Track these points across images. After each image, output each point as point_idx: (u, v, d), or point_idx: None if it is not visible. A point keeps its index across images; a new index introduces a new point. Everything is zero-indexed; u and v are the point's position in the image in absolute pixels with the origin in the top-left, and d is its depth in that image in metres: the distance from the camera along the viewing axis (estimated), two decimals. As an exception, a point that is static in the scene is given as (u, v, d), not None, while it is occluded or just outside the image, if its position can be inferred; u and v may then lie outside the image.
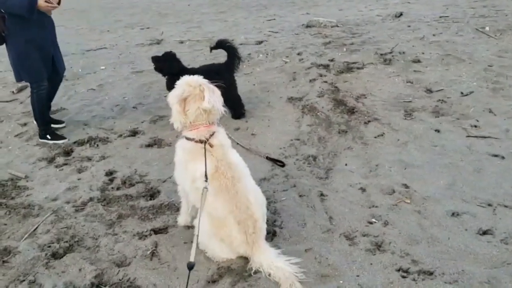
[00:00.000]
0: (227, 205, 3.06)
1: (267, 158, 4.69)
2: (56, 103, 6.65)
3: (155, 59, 5.61)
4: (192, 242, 2.90)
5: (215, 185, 3.05)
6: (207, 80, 3.27)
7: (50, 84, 5.50)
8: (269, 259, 3.06)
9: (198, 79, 3.23)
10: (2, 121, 6.19)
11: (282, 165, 4.56)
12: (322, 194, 3.99)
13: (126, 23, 13.39)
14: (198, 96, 3.14)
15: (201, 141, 3.14)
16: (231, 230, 3.07)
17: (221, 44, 5.62)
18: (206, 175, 3.07)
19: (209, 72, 5.60)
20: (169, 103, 3.32)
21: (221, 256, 3.22)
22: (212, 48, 5.70)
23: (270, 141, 5.12)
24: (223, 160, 3.14)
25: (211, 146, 3.15)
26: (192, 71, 5.58)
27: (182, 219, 3.62)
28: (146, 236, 3.61)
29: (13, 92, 7.24)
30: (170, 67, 5.53)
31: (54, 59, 5.30)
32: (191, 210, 3.46)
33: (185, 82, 3.21)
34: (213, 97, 3.19)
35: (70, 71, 8.24)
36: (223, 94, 5.57)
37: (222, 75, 5.53)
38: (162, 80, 7.12)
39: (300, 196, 4.01)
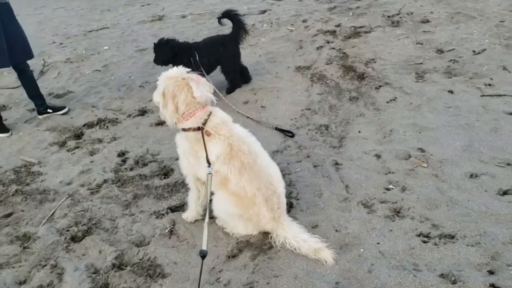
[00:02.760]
0: (254, 183, 3.01)
1: (276, 129, 4.64)
2: (62, 86, 6.64)
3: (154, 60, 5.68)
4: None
5: (236, 163, 3.00)
6: (185, 69, 3.14)
7: (19, 77, 5.54)
8: (293, 233, 3.04)
9: (177, 71, 3.11)
10: (10, 107, 6.17)
11: (292, 135, 4.51)
12: (337, 163, 3.95)
13: (126, 0, 13.18)
14: (182, 86, 3.03)
15: (199, 128, 3.05)
16: (260, 209, 3.03)
17: (228, 14, 5.54)
18: (208, 160, 3.01)
19: (214, 44, 5.56)
20: (155, 102, 3.23)
21: (243, 233, 3.21)
22: (219, 18, 5.59)
23: (281, 112, 5.05)
24: (233, 136, 3.08)
25: (207, 134, 3.06)
26: (198, 45, 5.54)
27: (192, 214, 3.47)
28: (163, 214, 3.61)
29: (17, 78, 7.17)
30: (163, 55, 5.50)
31: (9, 51, 5.06)
32: (202, 200, 3.38)
33: (165, 77, 3.10)
34: (199, 86, 3.09)
35: (73, 53, 8.20)
36: (229, 65, 5.58)
37: (227, 46, 5.47)
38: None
39: (315, 166, 3.97)
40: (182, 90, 3.02)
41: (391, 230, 3.12)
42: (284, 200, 3.21)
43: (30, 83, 5.57)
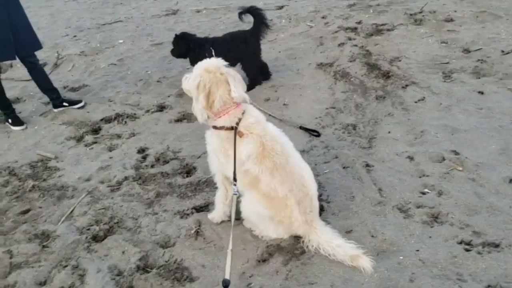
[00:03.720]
0: (286, 184, 2.86)
1: (301, 128, 4.49)
2: (77, 79, 6.51)
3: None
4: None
5: (268, 163, 2.85)
6: (224, 62, 2.98)
7: (29, 71, 5.36)
8: (326, 238, 2.89)
9: (216, 64, 2.94)
10: (24, 100, 6.05)
11: (318, 135, 4.36)
12: (367, 165, 3.79)
13: (138, -6, 13.02)
14: (220, 82, 2.87)
15: (232, 128, 2.90)
16: (292, 211, 2.88)
17: (250, 10, 5.38)
18: (235, 176, 2.87)
19: (234, 40, 5.41)
20: (185, 91, 3.09)
21: (273, 236, 3.07)
22: (240, 14, 5.45)
23: (304, 110, 4.90)
24: (266, 135, 2.92)
25: (240, 135, 2.90)
26: (215, 41, 5.39)
27: (218, 214, 3.31)
28: (187, 214, 3.47)
29: (32, 70, 7.05)
30: (178, 48, 5.51)
31: (16, 41, 4.89)
32: (230, 200, 3.23)
33: (203, 69, 2.90)
34: (237, 85, 2.93)
35: (88, 46, 8.06)
36: (250, 62, 5.42)
37: (248, 42, 5.33)
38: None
39: (344, 167, 3.81)
40: (219, 87, 2.87)
41: (430, 237, 2.96)
42: (317, 203, 3.07)
43: (41, 77, 5.43)
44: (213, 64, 2.96)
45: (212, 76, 2.88)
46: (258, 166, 2.88)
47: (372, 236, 3.02)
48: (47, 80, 5.46)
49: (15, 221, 3.62)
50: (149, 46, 7.68)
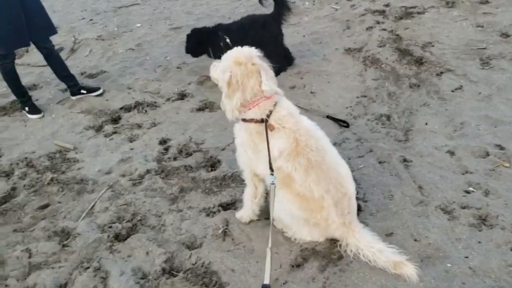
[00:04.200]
0: (322, 183, 2.63)
1: (329, 117, 4.24)
2: (95, 65, 6.31)
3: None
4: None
5: (302, 161, 2.62)
6: (255, 50, 2.74)
7: (45, 58, 5.16)
8: (366, 242, 2.67)
9: (247, 53, 2.70)
10: (41, 87, 5.87)
11: (347, 125, 4.11)
12: (405, 160, 3.54)
13: (154, -24, 12.72)
14: (251, 72, 2.63)
15: (262, 120, 2.67)
16: (329, 213, 2.66)
17: None
18: (271, 166, 2.64)
19: (252, 25, 5.11)
20: (214, 79, 2.87)
21: (307, 239, 2.86)
22: None
23: (333, 99, 4.64)
24: (299, 130, 2.69)
25: (271, 129, 2.67)
26: (229, 27, 5.12)
27: (247, 213, 3.09)
28: (214, 212, 3.27)
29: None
30: (190, 47, 5.40)
31: (29, 26, 4.63)
32: (259, 198, 3.02)
33: (233, 61, 2.66)
34: (269, 78, 2.70)
35: (105, 30, 7.84)
36: (272, 48, 5.13)
37: (268, 27, 5.06)
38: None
39: (380, 162, 3.57)
40: (250, 78, 2.63)
41: (479, 242, 2.73)
42: (355, 204, 2.84)
43: (58, 63, 5.24)
44: (244, 54, 2.72)
45: (243, 68, 2.65)
46: (291, 163, 2.66)
47: (415, 240, 2.79)
48: (63, 66, 5.27)
49: (33, 217, 3.46)
50: (167, 30, 7.43)
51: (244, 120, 2.77)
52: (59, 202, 3.61)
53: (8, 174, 4.06)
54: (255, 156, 2.76)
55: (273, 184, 2.64)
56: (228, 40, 5.03)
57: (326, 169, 2.68)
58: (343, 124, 4.14)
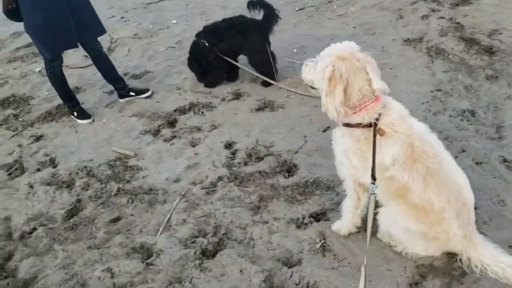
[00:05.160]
0: (443, 193, 2.36)
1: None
2: (137, 65, 6.08)
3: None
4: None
5: (420, 169, 2.35)
6: (357, 46, 2.43)
7: (93, 59, 4.92)
8: (490, 255, 2.41)
9: (349, 48, 2.39)
10: (85, 90, 5.64)
11: None
12: (505, 160, 3.26)
13: (177, -30, 12.43)
14: (358, 69, 2.33)
15: (370, 125, 2.39)
16: (450, 226, 2.39)
17: (258, 2, 4.83)
18: (373, 174, 2.38)
19: (229, 29, 4.85)
20: (307, 81, 2.59)
21: (422, 254, 2.59)
22: (249, 5, 4.89)
23: (405, 94, 4.34)
24: (413, 135, 2.41)
25: (381, 133, 2.40)
26: (210, 27, 4.97)
27: (346, 225, 2.84)
28: (305, 224, 3.02)
29: (86, 56, 6.62)
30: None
31: (77, 26, 4.36)
32: (362, 209, 2.75)
33: (335, 56, 2.35)
34: (378, 75, 2.40)
35: (139, 28, 7.60)
36: (249, 56, 4.90)
37: (249, 34, 4.81)
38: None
39: (477, 163, 3.29)
40: (357, 76, 2.35)
41: None
42: (473, 214, 2.56)
43: (106, 65, 4.99)
44: (346, 49, 2.43)
45: (349, 64, 2.34)
46: (407, 172, 2.38)
47: (546, 254, 2.51)
48: (112, 68, 5.03)
49: (107, 232, 3.24)
50: (205, 26, 7.14)
51: (348, 125, 2.50)
52: (132, 215, 3.39)
53: (69, 185, 3.85)
54: (362, 164, 2.49)
55: (373, 194, 2.38)
56: (206, 43, 4.88)
57: (445, 177, 2.41)
58: None
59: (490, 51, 4.76)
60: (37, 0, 4.09)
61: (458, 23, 5.48)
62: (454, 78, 4.41)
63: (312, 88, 2.62)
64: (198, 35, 5.05)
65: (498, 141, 3.48)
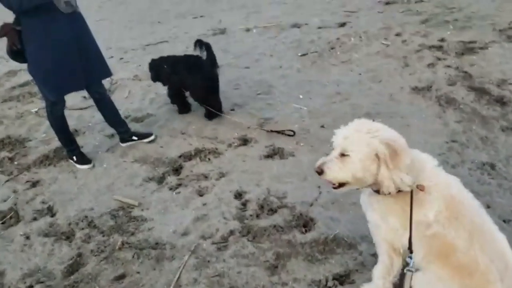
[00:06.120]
0: (487, 252, 2.18)
1: (272, 131, 4.72)
2: (139, 107, 5.93)
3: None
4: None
5: (465, 224, 2.18)
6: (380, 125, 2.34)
7: (96, 102, 4.77)
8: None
9: (375, 128, 2.29)
10: (84, 132, 5.44)
11: (293, 134, 4.61)
12: (534, 218, 3.10)
13: (175, 12, 12.51)
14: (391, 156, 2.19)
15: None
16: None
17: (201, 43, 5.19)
18: (410, 246, 2.23)
19: (177, 64, 5.27)
20: (339, 181, 2.34)
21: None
22: (196, 44, 5.26)
23: (419, 144, 4.13)
24: (451, 187, 2.27)
25: (421, 189, 2.24)
26: (166, 59, 5.43)
27: None
28: (329, 287, 2.79)
29: (85, 97, 6.47)
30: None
31: (83, 67, 4.21)
32: (393, 276, 2.55)
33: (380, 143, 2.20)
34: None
35: (140, 69, 7.48)
36: (194, 91, 5.20)
37: (193, 69, 5.12)
38: (250, 74, 6.37)
39: (504, 221, 3.13)
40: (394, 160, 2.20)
41: None
42: (513, 277, 2.37)
43: (110, 108, 4.83)
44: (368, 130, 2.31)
45: (385, 150, 2.21)
46: (453, 228, 2.21)
47: None
48: (115, 111, 4.87)
49: (111, 292, 2.98)
50: (207, 69, 7.06)
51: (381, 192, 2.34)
52: (138, 272, 3.14)
53: (69, 236, 3.61)
54: (403, 225, 2.32)
55: (410, 271, 2.21)
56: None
57: (489, 233, 2.25)
58: (290, 133, 4.61)
59: (501, 101, 4.71)
60: (44, 39, 3.94)
61: (466, 72, 5.45)
62: (469, 129, 4.32)
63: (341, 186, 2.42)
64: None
65: (524, 197, 3.35)
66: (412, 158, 2.29)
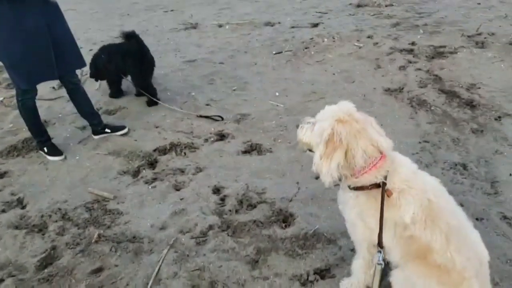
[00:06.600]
0: (463, 251, 2.26)
1: (200, 116, 5.06)
2: (110, 100, 5.87)
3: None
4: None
5: (442, 226, 2.25)
6: (351, 105, 2.38)
7: (69, 93, 4.66)
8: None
9: (346, 109, 2.33)
10: (54, 123, 5.29)
11: (221, 119, 4.95)
12: (505, 217, 3.24)
13: (144, 5, 12.33)
14: (358, 132, 2.25)
15: (378, 185, 2.28)
16: (471, 285, 2.27)
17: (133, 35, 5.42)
18: (380, 242, 2.30)
19: (115, 51, 5.49)
20: (304, 144, 2.49)
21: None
22: (123, 36, 5.49)
23: (393, 144, 4.30)
24: (429, 189, 2.33)
25: (388, 195, 2.31)
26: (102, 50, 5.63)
27: (357, 285, 2.68)
28: (311, 281, 2.83)
29: (54, 88, 6.30)
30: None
31: (56, 57, 4.10)
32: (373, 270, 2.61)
33: (333, 118, 2.27)
34: (379, 131, 2.38)
35: (110, 62, 7.31)
36: (139, 79, 5.47)
37: (127, 56, 5.36)
38: (225, 70, 6.36)
39: (478, 219, 3.25)
40: (359, 138, 2.25)
41: None
42: (488, 273, 2.47)
43: (83, 99, 4.71)
44: (345, 111, 2.33)
45: (348, 127, 2.25)
46: (429, 230, 2.27)
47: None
48: (88, 102, 4.75)
49: (89, 285, 2.92)
50: (181, 63, 7.01)
51: (359, 188, 2.38)
52: (116, 266, 3.08)
53: (41, 229, 3.50)
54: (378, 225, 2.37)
55: (379, 264, 2.29)
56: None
57: (464, 233, 2.33)
58: (218, 118, 4.96)
59: (471, 104, 4.87)
60: (16, 27, 3.81)
61: (436, 75, 5.62)
62: (440, 130, 4.45)
63: (310, 151, 2.50)
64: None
65: (495, 196, 3.48)
66: (391, 159, 2.35)
